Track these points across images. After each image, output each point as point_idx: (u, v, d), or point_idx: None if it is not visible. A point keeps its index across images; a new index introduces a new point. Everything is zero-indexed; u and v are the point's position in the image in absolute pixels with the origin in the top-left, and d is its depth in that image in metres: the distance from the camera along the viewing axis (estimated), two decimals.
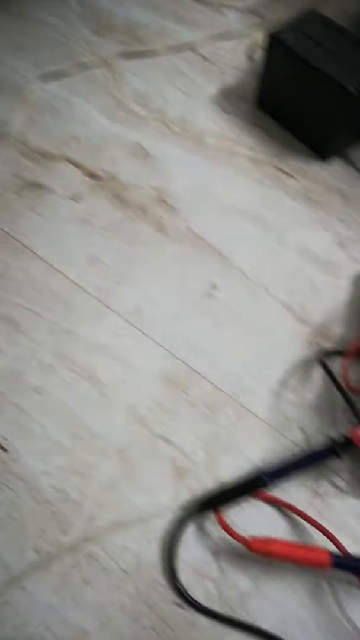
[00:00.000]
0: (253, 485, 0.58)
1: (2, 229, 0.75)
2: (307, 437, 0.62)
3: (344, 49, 0.74)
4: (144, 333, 0.68)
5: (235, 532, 0.56)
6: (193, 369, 0.66)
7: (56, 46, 0.93)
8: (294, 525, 0.58)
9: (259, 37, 0.93)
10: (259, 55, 0.91)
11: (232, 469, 0.61)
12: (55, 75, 0.89)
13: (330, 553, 0.53)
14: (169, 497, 0.59)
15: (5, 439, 0.62)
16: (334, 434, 0.62)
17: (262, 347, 0.68)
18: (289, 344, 0.68)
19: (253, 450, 0.62)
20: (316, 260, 0.74)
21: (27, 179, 0.79)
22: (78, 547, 0.56)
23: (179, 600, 0.54)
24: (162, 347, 0.68)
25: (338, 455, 0.59)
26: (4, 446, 0.61)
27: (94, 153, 0.82)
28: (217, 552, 0.57)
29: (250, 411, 0.64)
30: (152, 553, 0.56)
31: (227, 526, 0.56)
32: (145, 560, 0.56)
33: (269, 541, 0.55)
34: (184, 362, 0.67)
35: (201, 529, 0.58)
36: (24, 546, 0.56)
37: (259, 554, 0.55)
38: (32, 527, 0.57)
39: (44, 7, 0.97)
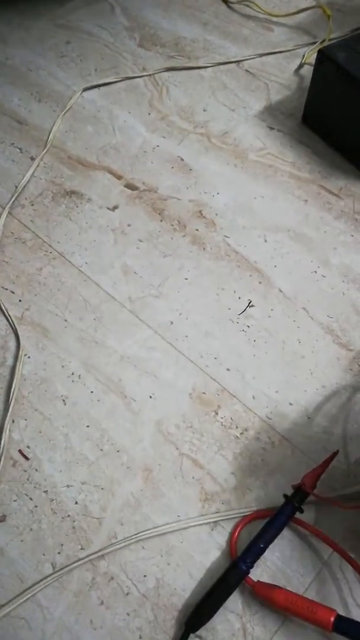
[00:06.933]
0: (235, 581, 0.56)
1: (37, 235, 0.78)
2: (349, 470, 0.62)
3: None
4: (175, 348, 0.70)
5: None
6: (225, 389, 0.67)
7: (101, 57, 0.97)
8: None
9: (308, 53, 0.96)
10: (306, 71, 0.94)
11: (262, 494, 0.61)
12: (99, 86, 0.93)
13: (338, 616, 0.52)
14: (195, 521, 0.59)
15: (28, 447, 0.63)
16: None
17: (299, 369, 0.69)
18: (328, 369, 0.69)
19: (285, 478, 0.62)
20: None
21: (65, 187, 0.83)
22: (96, 566, 0.57)
23: (200, 632, 0.54)
24: (194, 363, 0.69)
25: (300, 509, 0.58)
26: (26, 454, 0.63)
27: (133, 164, 0.85)
28: (241, 589, 0.56)
29: (284, 437, 0.64)
30: (173, 578, 0.57)
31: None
32: (165, 585, 0.56)
33: (272, 588, 0.54)
34: (216, 381, 0.68)
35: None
36: (41, 559, 0.57)
37: (262, 599, 0.55)
38: (51, 540, 0.58)
39: (91, 18, 1.02)
